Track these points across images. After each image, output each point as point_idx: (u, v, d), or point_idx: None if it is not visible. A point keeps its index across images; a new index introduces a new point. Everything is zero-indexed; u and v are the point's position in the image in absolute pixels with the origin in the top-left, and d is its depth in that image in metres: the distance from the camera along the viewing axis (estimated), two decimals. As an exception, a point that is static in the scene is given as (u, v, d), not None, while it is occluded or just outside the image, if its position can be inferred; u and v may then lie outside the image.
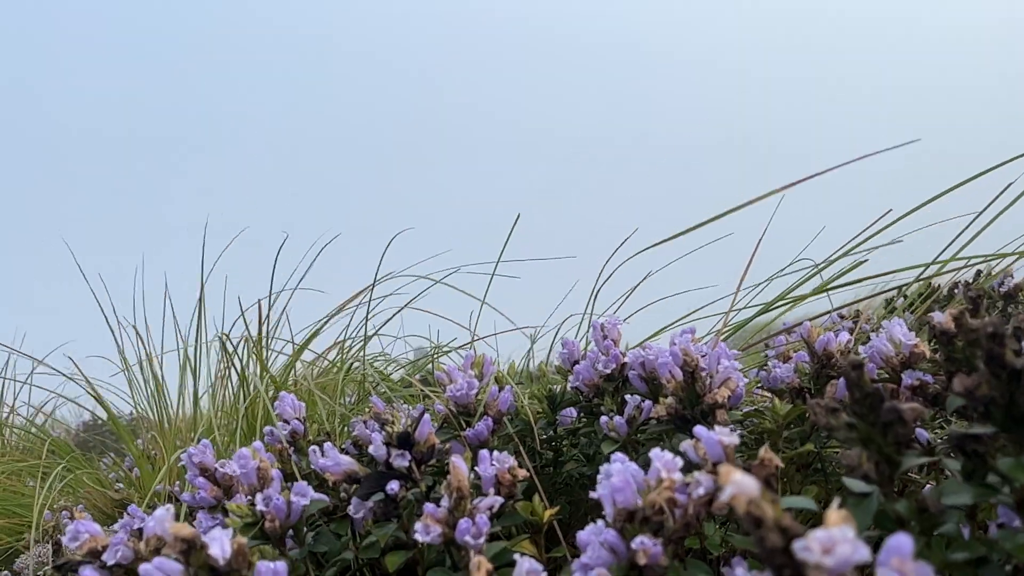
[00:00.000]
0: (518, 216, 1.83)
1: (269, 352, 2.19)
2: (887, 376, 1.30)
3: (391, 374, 2.69)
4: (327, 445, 1.36)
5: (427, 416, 1.22)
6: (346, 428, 1.96)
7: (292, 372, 2.12)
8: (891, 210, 1.62)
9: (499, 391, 1.36)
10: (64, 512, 2.69)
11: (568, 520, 1.63)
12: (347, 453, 1.74)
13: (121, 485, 2.78)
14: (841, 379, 1.35)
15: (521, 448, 1.47)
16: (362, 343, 2.52)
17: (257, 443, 1.21)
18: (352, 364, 2.20)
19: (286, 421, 1.60)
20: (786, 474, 1.34)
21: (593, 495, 0.84)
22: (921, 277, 1.82)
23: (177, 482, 2.27)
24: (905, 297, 2.66)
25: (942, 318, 1.12)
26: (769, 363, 1.52)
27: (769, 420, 1.29)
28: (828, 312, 2.82)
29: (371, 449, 1.16)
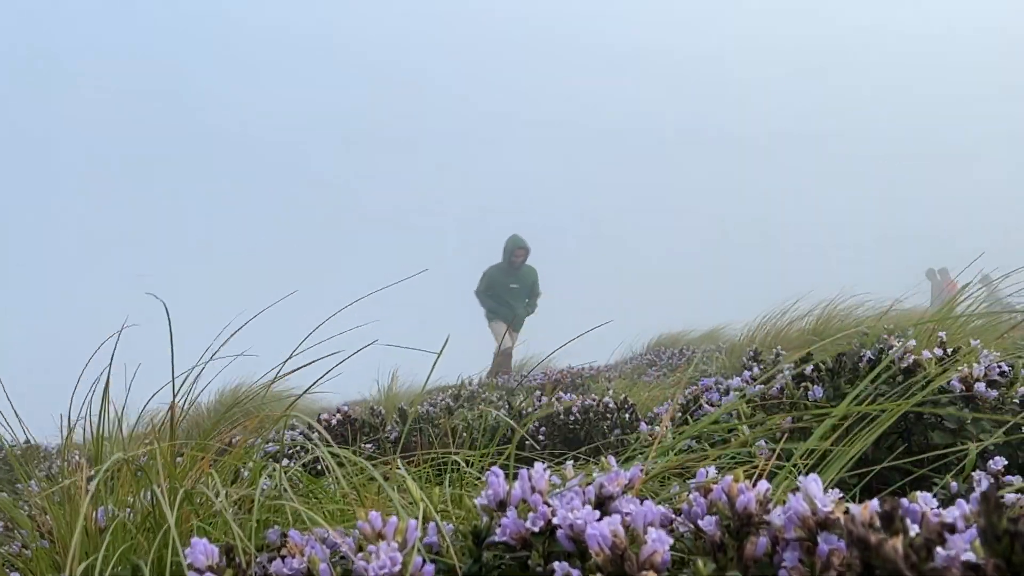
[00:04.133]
0: (447, 338, 1.78)
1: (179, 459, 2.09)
2: (804, 535, 1.34)
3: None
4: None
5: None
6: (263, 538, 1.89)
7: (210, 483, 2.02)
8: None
9: (423, 563, 1.33)
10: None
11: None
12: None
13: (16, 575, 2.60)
14: (762, 538, 1.39)
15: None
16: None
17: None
18: (270, 466, 2.12)
19: (198, 571, 1.53)
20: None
21: None
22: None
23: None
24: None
25: (860, 517, 1.15)
26: (691, 496, 1.54)
27: (693, 589, 1.31)
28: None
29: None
